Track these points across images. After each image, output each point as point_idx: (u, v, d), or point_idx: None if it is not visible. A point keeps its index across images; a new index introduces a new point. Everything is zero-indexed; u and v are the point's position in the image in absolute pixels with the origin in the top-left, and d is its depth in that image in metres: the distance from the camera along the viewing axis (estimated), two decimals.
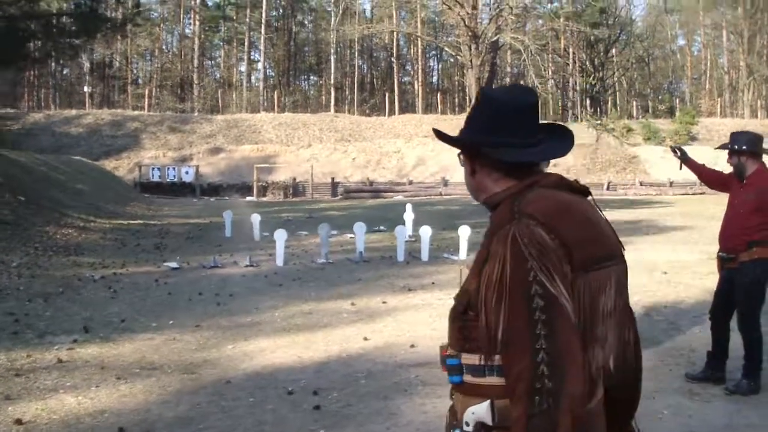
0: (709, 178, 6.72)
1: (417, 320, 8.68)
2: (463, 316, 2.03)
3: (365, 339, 7.78)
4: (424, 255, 14.10)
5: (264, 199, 39.55)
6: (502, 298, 1.87)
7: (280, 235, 13.53)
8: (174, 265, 13.16)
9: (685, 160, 6.72)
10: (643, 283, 11.44)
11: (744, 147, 6.19)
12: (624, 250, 2.17)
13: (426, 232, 14.17)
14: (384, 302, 9.81)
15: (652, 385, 6.23)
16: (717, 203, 35.57)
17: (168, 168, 40.87)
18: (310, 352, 7.30)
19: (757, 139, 6.35)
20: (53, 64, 62.02)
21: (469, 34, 52.50)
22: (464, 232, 14.28)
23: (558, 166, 45.95)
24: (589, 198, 2.14)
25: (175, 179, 40.38)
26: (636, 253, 15.25)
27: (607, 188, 42.60)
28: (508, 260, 1.88)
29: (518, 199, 1.99)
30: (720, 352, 6.40)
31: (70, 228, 17.90)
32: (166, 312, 9.29)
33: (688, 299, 10.15)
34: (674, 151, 6.79)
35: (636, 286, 11.15)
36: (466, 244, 14.26)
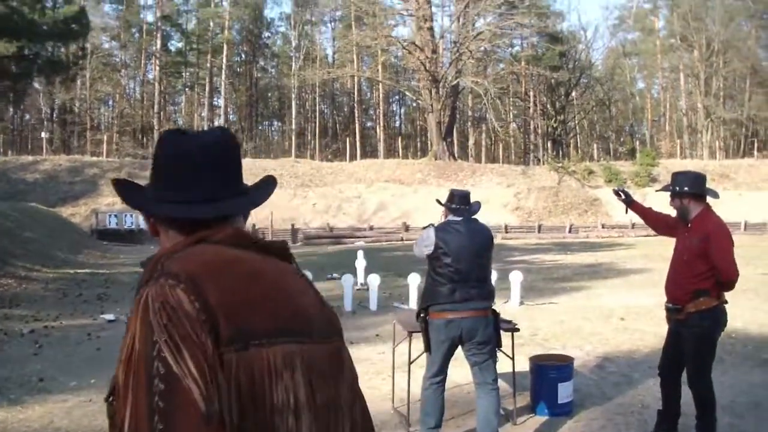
0: (655, 222, 6.26)
1: None
2: (109, 404, 1.58)
3: None
4: (373, 304, 13.64)
5: None
6: (129, 379, 1.46)
7: None
8: (111, 317, 12.57)
9: (630, 202, 6.30)
10: (598, 331, 11.09)
11: (686, 188, 5.72)
12: (338, 328, 1.77)
13: (374, 280, 13.71)
14: None
15: None
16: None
17: (125, 214, 40.09)
18: None
19: (700, 179, 5.89)
20: (11, 109, 61.35)
21: (429, 78, 52.58)
22: (414, 280, 13.82)
23: (520, 209, 46.04)
24: (291, 264, 1.76)
25: (133, 226, 39.63)
26: (594, 298, 14.99)
27: (569, 231, 42.53)
28: (137, 331, 1.48)
29: (169, 257, 1.59)
30: (671, 411, 5.95)
31: (10, 278, 17.24)
32: (90, 370, 8.71)
33: (643, 348, 9.76)
34: (617, 194, 6.38)
35: (591, 334, 10.82)
36: (416, 292, 13.81)
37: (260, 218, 41.26)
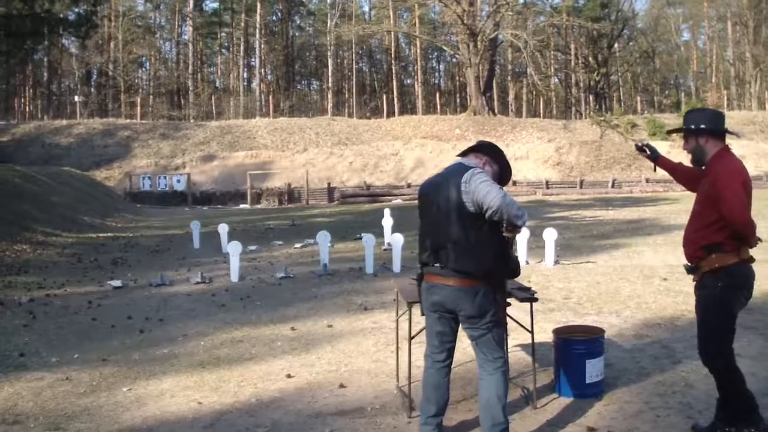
0: (686, 177, 5.27)
1: (359, 350, 7.36)
2: None
3: (288, 376, 6.48)
4: (396, 266, 12.79)
5: (258, 206, 38.38)
6: None
7: (234, 249, 12.23)
8: (118, 284, 11.88)
9: (656, 158, 5.39)
10: (638, 293, 10.15)
11: (702, 125, 4.83)
12: None
13: (398, 240, 12.85)
14: (330, 326, 8.49)
15: None
16: None
17: (159, 177, 39.78)
18: (216, 395, 6.00)
19: (718, 115, 4.98)
20: (45, 74, 61.20)
21: (467, 32, 51.20)
22: None
23: (562, 164, 44.77)
24: None
25: (166, 188, 39.28)
26: (635, 257, 14.01)
27: (612, 186, 41.33)
28: None
29: None
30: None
31: (26, 244, 16.69)
32: (78, 343, 8.02)
33: (688, 314, 8.74)
34: (641, 150, 5.45)
35: (630, 298, 9.86)
36: None
37: (296, 177, 40.71)
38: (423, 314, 4.93)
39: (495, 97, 61.40)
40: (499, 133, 47.61)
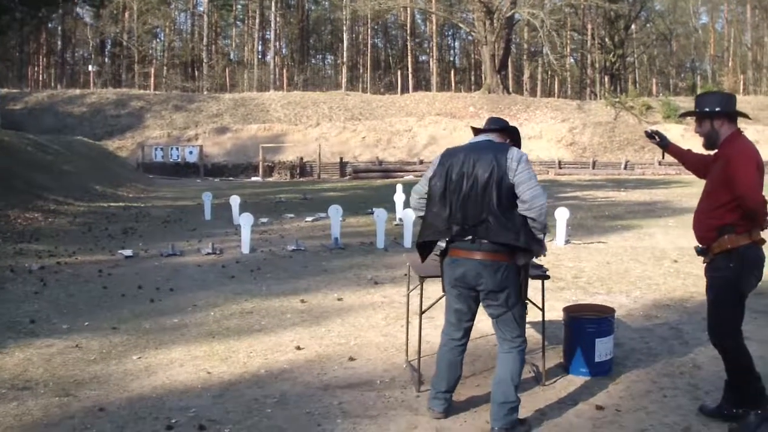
0: (696, 164, 5.22)
1: (369, 324, 7.37)
2: None
3: (298, 348, 6.49)
4: (407, 241, 12.78)
5: (270, 179, 38.41)
6: None
7: (246, 221, 12.23)
8: (129, 253, 11.91)
9: (665, 145, 5.35)
10: (648, 275, 10.12)
11: (717, 108, 4.77)
12: None
13: (409, 216, 12.82)
14: (340, 299, 8.50)
15: (635, 420, 4.91)
16: None
17: (171, 148, 39.78)
18: (225, 366, 6.01)
19: (731, 98, 4.93)
20: (59, 43, 61.15)
21: (483, 9, 50.90)
22: None
23: (575, 144, 44.57)
24: None
25: (179, 159, 39.29)
26: (646, 238, 13.97)
27: (625, 167, 41.13)
28: None
29: None
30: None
31: (38, 212, 16.73)
32: (88, 311, 8.04)
33: (697, 295, 8.73)
34: (651, 137, 5.37)
35: (640, 278, 9.84)
36: None
37: (309, 151, 40.68)
38: (444, 291, 4.91)
39: (510, 76, 61.04)
40: (513, 112, 47.43)
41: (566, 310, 5.97)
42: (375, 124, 44.84)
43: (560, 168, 41.36)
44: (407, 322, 6.35)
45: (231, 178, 38.62)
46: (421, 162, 41.14)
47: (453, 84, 60.08)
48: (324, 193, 26.74)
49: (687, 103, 49.22)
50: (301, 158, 40.87)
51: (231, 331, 7.14)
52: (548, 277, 5.58)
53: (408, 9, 64.48)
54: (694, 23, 74.84)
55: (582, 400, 5.24)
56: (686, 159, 5.31)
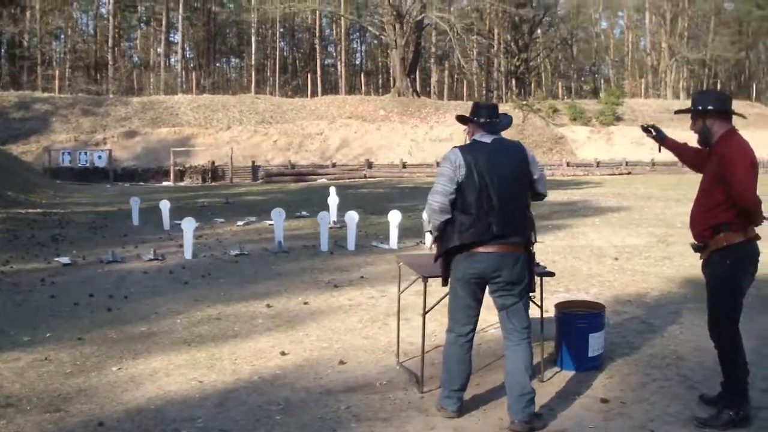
0: (693, 158, 5.32)
1: (345, 327, 7.30)
2: None
3: (283, 354, 6.37)
4: (351, 244, 12.72)
5: (182, 183, 37.73)
6: None
7: (188, 225, 11.96)
8: (66, 260, 11.50)
9: (662, 139, 5.41)
10: (596, 272, 10.34)
11: (710, 107, 4.89)
12: None
13: (352, 218, 12.77)
14: (305, 303, 8.39)
15: (641, 411, 5.00)
16: (645, 183, 35.63)
17: (80, 152, 38.58)
18: (214, 374, 5.85)
19: (725, 97, 5.08)
20: None
21: (393, 13, 51.16)
22: (395, 218, 12.92)
23: None
24: None
25: (87, 164, 38.15)
26: (579, 237, 14.26)
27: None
28: None
29: None
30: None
31: None
32: (44, 321, 7.71)
33: (651, 291, 9.01)
34: (647, 131, 5.47)
35: (590, 276, 10.04)
36: (396, 231, 12.94)
37: (220, 155, 40.17)
38: (445, 284, 4.92)
39: (418, 79, 61.53)
40: (424, 115, 47.85)
41: (558, 306, 6.04)
42: (286, 128, 44.55)
43: None
44: (398, 323, 6.33)
45: (141, 183, 37.75)
46: (334, 165, 41.20)
47: (362, 87, 60.19)
48: (244, 197, 26.41)
49: (592, 105, 50.67)
50: (213, 162, 40.26)
51: (205, 338, 6.96)
52: (553, 274, 5.67)
53: (317, 12, 64.26)
54: (595, 29, 77.01)
55: (583, 394, 5.33)
56: (683, 153, 5.40)
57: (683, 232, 14.76)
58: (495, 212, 4.62)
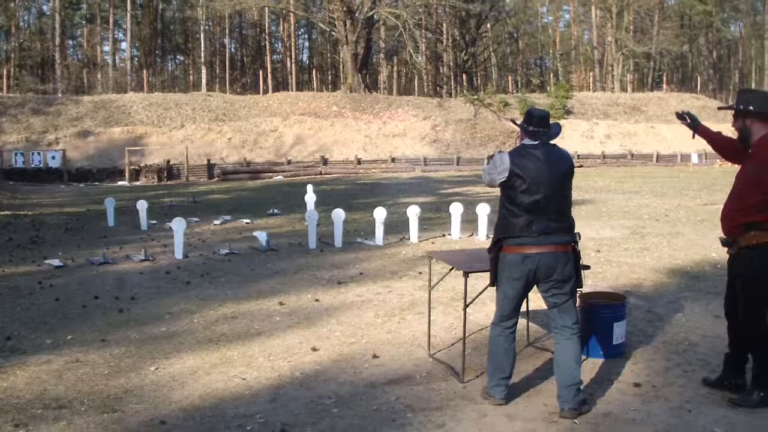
0: (725, 147, 5.48)
1: (364, 322, 7.49)
2: None
3: (314, 349, 6.54)
4: (338, 241, 12.90)
5: (137, 183, 37.41)
6: None
7: (179, 225, 12.03)
8: (57, 262, 11.47)
9: (695, 126, 5.61)
10: (588, 263, 10.61)
11: (751, 107, 5.05)
12: None
13: (339, 215, 12.95)
14: (317, 300, 8.56)
15: (675, 393, 5.30)
16: (601, 175, 36.08)
17: (33, 153, 38.03)
18: (254, 371, 6.00)
19: (766, 98, 5.15)
20: None
21: (344, 9, 51.26)
22: (380, 215, 13.12)
23: (438, 141, 45.65)
24: None
25: (41, 165, 37.62)
26: None
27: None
28: None
29: None
30: (737, 356, 5.36)
31: None
32: (59, 323, 7.75)
33: (644, 281, 9.38)
34: (682, 118, 5.66)
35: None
36: (382, 228, 13.15)
37: (175, 154, 39.92)
38: (493, 285, 5.16)
39: (368, 75, 61.71)
40: (376, 111, 48.09)
41: (582, 297, 6.32)
42: (240, 125, 44.43)
43: (426, 165, 42.37)
44: (429, 316, 6.56)
45: (96, 183, 37.36)
46: (290, 162, 41.24)
47: (315, 83, 60.22)
48: (209, 195, 26.36)
49: (542, 99, 51.31)
50: (168, 161, 39.95)
51: (230, 336, 7.08)
52: (588, 267, 5.95)
53: (265, 8, 63.99)
54: (540, 22, 77.94)
55: (614, 379, 5.64)
56: (715, 141, 5.56)
57: (652, 224, 15.28)
58: (545, 214, 4.92)
